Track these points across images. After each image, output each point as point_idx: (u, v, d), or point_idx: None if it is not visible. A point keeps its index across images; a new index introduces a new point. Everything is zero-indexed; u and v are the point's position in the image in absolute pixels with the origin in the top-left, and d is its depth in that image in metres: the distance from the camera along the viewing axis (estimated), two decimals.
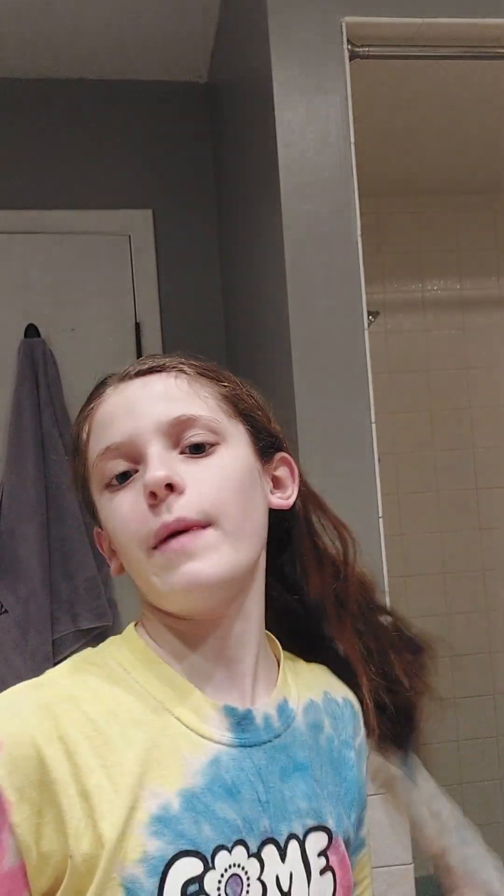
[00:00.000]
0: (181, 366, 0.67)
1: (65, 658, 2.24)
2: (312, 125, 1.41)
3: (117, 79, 2.23)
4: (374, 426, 1.38)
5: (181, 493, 0.60)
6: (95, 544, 0.71)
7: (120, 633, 0.69)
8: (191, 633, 0.63)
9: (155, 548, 0.60)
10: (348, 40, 1.43)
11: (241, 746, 0.60)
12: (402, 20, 1.44)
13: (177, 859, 0.53)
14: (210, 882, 0.54)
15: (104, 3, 1.89)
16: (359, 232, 1.41)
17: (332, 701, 0.71)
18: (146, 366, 0.66)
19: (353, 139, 1.42)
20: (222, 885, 0.55)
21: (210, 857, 0.55)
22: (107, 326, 2.18)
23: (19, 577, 1.99)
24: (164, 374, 0.65)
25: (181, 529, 0.59)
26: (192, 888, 0.53)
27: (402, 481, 2.50)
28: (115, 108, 2.24)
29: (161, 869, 0.53)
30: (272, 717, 0.64)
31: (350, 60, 1.43)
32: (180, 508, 0.59)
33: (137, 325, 2.19)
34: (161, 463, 0.60)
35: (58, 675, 0.61)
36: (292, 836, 0.60)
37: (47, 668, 2.26)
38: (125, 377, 0.66)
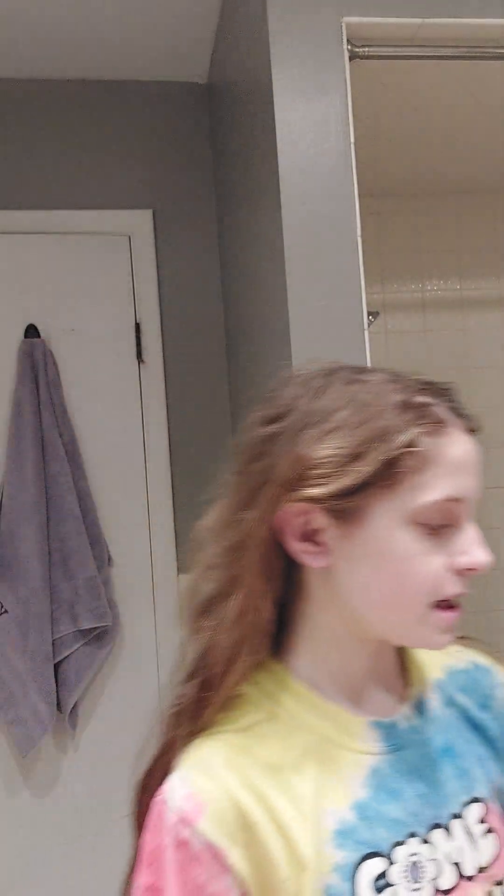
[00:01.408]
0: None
1: (64, 658, 2.21)
2: (312, 125, 1.41)
3: (117, 79, 2.23)
4: None
5: None
6: (284, 519, 0.64)
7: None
8: (365, 653, 0.68)
9: (434, 607, 0.64)
10: (348, 40, 1.43)
11: (394, 753, 0.67)
12: (402, 20, 1.44)
13: (362, 862, 0.62)
14: (394, 874, 0.62)
15: (104, 3, 1.89)
16: (359, 232, 1.40)
17: (456, 672, 0.76)
18: (474, 423, 0.68)
19: (353, 139, 1.42)
20: (406, 874, 0.63)
21: (389, 854, 0.63)
22: (107, 326, 2.18)
23: (19, 577, 2.00)
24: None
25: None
26: (381, 882, 0.62)
27: None
28: (115, 108, 2.24)
29: (351, 873, 0.61)
30: (410, 717, 0.70)
31: (350, 60, 1.43)
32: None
33: (137, 325, 2.19)
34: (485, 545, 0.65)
35: (224, 730, 0.65)
36: (453, 815, 0.67)
37: (47, 668, 2.25)
38: (468, 429, 0.66)
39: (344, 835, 0.62)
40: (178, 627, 0.71)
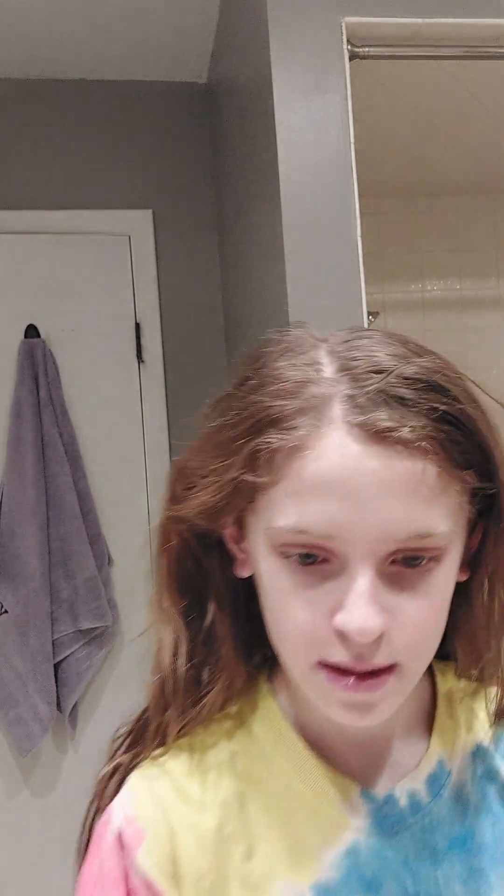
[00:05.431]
0: (430, 443, 0.46)
1: (64, 658, 2.20)
2: (312, 125, 1.41)
3: (117, 79, 2.23)
4: None
5: (380, 637, 0.46)
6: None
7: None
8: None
9: (321, 666, 0.48)
10: (348, 40, 1.43)
11: (383, 835, 0.51)
12: (402, 20, 1.44)
13: None
14: None
15: (104, 3, 1.89)
16: (359, 232, 1.40)
17: None
18: (385, 424, 0.45)
19: (353, 139, 1.42)
20: None
21: None
22: (107, 326, 2.18)
23: (19, 577, 2.00)
24: (409, 455, 0.45)
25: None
26: None
27: None
28: (115, 109, 2.24)
29: None
30: (419, 791, 0.53)
31: (350, 60, 1.43)
32: (375, 657, 0.46)
33: (137, 325, 2.19)
34: (373, 608, 0.45)
35: (178, 762, 0.54)
36: None
37: (47, 668, 2.24)
38: (363, 426, 0.45)
39: None
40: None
